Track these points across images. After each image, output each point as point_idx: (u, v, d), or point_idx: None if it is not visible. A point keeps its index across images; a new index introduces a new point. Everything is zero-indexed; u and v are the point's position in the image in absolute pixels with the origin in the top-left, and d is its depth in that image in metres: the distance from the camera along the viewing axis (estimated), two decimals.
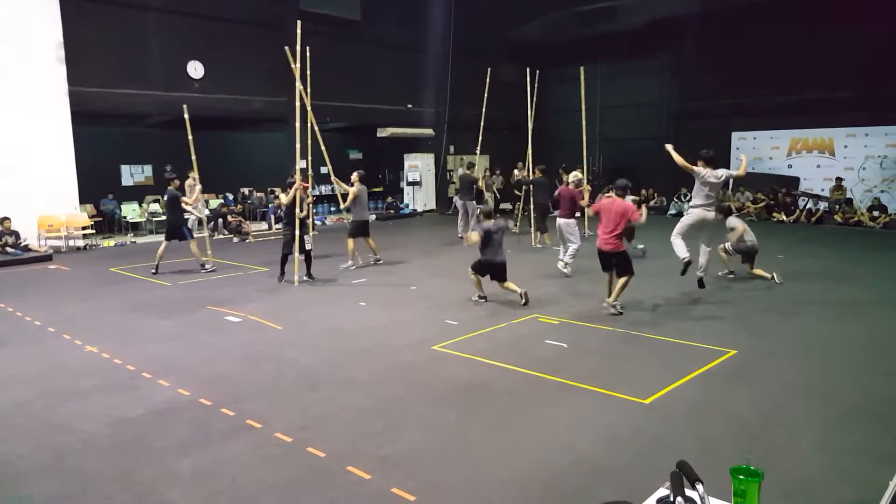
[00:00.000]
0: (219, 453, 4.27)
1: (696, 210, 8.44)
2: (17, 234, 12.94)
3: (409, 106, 21.22)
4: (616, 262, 7.73)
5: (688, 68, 20.41)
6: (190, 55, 16.17)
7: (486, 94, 15.17)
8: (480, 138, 15.02)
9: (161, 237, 15.82)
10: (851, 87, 17.32)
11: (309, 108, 11.22)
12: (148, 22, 15.36)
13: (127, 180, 17.71)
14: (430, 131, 21.67)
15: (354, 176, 11.04)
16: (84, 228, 14.38)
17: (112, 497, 3.74)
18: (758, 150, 20.09)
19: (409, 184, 21.92)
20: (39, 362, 6.28)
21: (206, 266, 11.05)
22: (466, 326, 7.27)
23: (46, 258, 12.74)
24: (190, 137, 10.78)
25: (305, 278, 9.94)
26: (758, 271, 9.55)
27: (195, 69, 16.28)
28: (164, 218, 16.81)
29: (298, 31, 9.78)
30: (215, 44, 16.35)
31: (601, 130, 23.34)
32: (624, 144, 22.30)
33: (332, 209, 21.31)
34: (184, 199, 11.17)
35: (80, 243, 14.27)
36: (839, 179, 17.77)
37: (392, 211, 20.89)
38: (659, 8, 19.41)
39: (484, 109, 15.06)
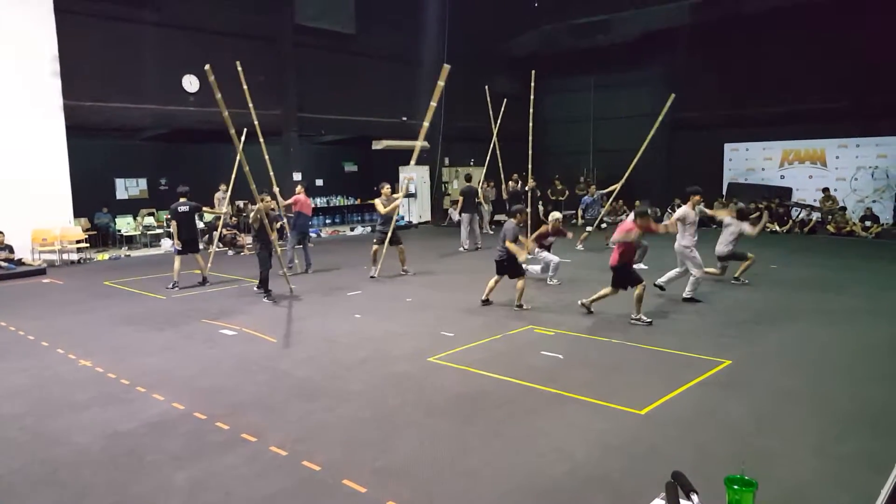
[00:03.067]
0: (213, 466, 4.25)
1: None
2: (10, 248, 12.90)
3: (404, 118, 21.30)
4: (620, 277, 7.90)
5: (680, 80, 20.57)
6: (185, 69, 16.21)
7: (490, 110, 15.32)
8: (491, 150, 15.05)
9: (156, 250, 15.96)
10: (843, 99, 17.50)
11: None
12: (143, 36, 15.41)
13: (121, 194, 17.68)
14: (425, 143, 21.71)
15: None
16: (78, 242, 14.33)
17: None
18: (750, 160, 20.24)
19: (405, 196, 21.94)
20: (33, 376, 6.25)
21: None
22: (462, 338, 7.27)
23: (40, 272, 12.69)
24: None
25: (264, 298, 9.71)
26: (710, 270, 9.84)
27: (190, 83, 16.32)
28: (158, 231, 16.84)
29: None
30: (211, 57, 16.36)
31: (595, 141, 23.51)
32: (617, 155, 22.40)
33: (328, 221, 21.34)
34: (205, 208, 11.12)
35: (75, 257, 14.22)
36: (826, 190, 17.88)
37: None
38: (652, 20, 19.59)
39: (497, 124, 15.08)
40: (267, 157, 11.76)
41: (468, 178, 16.26)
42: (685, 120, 20.74)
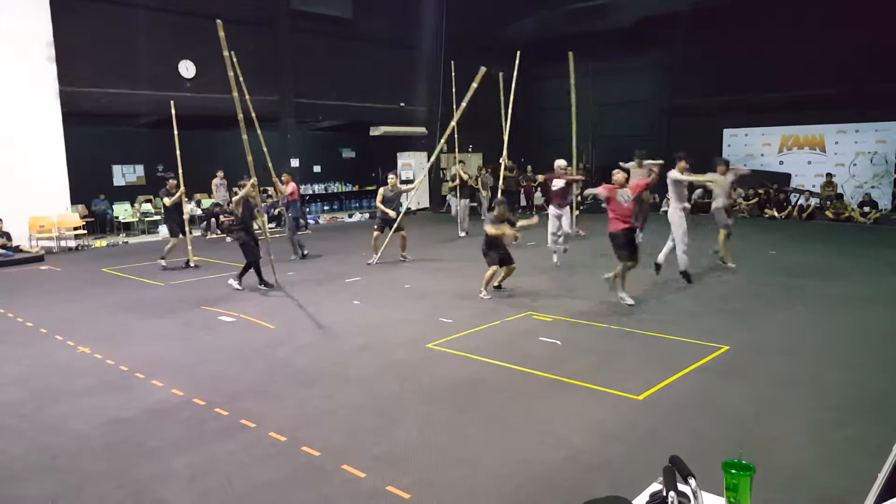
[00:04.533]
0: (213, 452, 4.26)
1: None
2: (8, 235, 12.87)
3: (402, 104, 21.19)
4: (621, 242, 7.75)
5: (679, 65, 20.46)
6: (181, 54, 16.09)
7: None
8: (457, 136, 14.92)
9: (153, 237, 15.95)
10: (842, 84, 17.41)
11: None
12: (139, 21, 15.30)
13: (118, 180, 17.62)
14: (422, 129, 21.65)
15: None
16: (76, 229, 14.32)
17: (106, 497, 3.73)
18: (749, 146, 20.17)
19: (402, 182, 21.87)
20: (32, 363, 6.26)
21: (163, 263, 11.30)
22: (460, 324, 7.28)
23: (38, 259, 12.68)
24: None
25: (260, 284, 9.62)
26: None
27: (186, 68, 16.21)
28: (156, 218, 16.85)
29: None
30: (207, 43, 16.25)
31: (593, 128, 23.38)
32: (616, 142, 22.34)
33: (325, 208, 21.29)
34: (164, 200, 11.33)
35: (72, 244, 14.21)
36: (829, 175, 17.86)
37: None
38: (650, 5, 19.44)
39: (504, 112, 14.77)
40: (247, 146, 11.55)
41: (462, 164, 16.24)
42: (683, 106, 20.65)
